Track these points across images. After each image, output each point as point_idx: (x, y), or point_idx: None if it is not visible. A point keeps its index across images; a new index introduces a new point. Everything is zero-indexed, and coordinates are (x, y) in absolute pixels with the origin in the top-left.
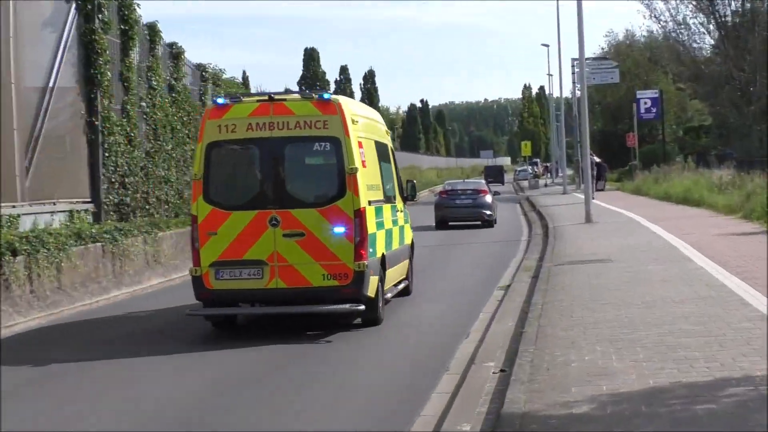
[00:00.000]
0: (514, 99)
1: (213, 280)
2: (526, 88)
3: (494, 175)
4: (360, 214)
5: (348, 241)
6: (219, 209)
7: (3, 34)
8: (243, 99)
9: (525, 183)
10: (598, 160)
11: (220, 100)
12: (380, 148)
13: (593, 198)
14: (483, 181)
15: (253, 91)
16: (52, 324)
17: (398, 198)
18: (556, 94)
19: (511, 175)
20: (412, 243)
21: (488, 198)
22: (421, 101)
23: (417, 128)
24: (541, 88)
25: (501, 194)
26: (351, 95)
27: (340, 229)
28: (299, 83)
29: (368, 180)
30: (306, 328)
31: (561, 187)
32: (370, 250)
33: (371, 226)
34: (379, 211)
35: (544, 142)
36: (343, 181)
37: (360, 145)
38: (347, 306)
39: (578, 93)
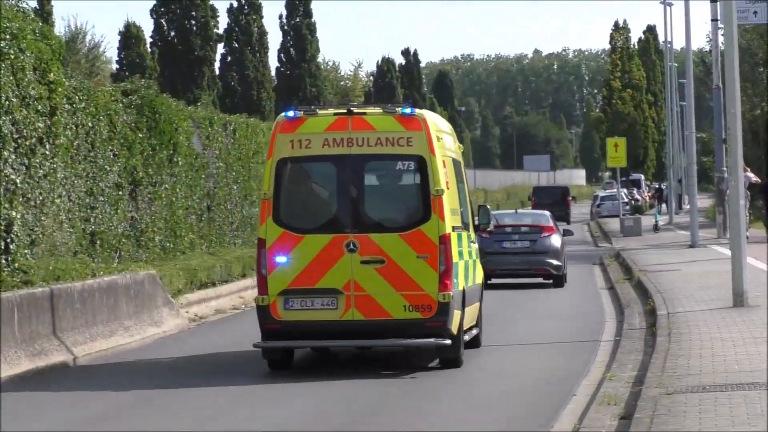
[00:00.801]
0: (591, 52)
1: (282, 310)
2: (618, 31)
3: (550, 203)
4: (445, 241)
5: (432, 270)
6: (290, 232)
7: None
8: (318, 112)
9: (612, 223)
10: (754, 178)
11: (291, 113)
12: (456, 166)
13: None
14: (547, 214)
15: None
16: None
17: (471, 226)
18: (678, 44)
19: (585, 207)
20: (483, 283)
21: (556, 239)
22: (406, 53)
23: (393, 100)
24: (650, 32)
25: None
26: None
27: (423, 256)
28: None
29: (451, 204)
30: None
31: (686, 232)
32: (454, 281)
33: (455, 254)
34: (459, 239)
35: (656, 140)
36: (427, 203)
37: (443, 164)
38: (432, 340)
39: (721, 43)
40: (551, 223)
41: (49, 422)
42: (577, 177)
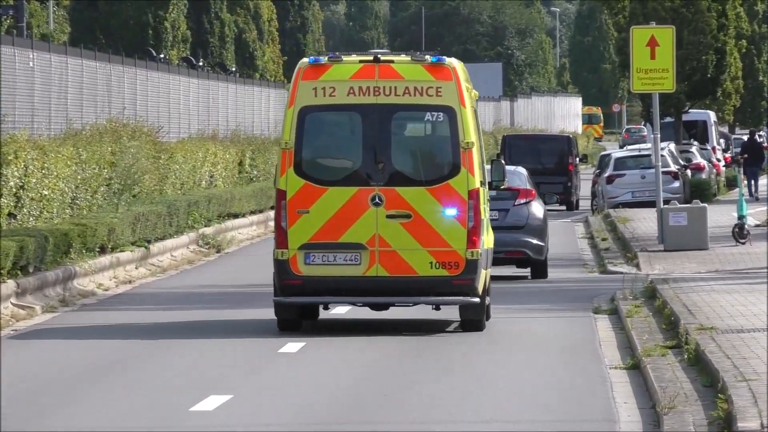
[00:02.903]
0: None
1: (302, 264)
2: None
3: (536, 167)
4: (475, 196)
5: (461, 226)
6: (313, 184)
7: None
8: (343, 59)
9: (641, 218)
10: None
11: (315, 59)
12: (477, 118)
13: None
14: (522, 171)
15: None
16: None
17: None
18: None
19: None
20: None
21: (536, 209)
22: None
23: None
24: None
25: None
26: None
27: (452, 212)
28: None
29: (479, 157)
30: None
31: None
32: (483, 238)
33: (484, 211)
34: (484, 196)
35: (742, 48)
36: (457, 157)
37: (473, 116)
38: (460, 298)
39: None
40: (528, 184)
41: None
42: (566, 114)
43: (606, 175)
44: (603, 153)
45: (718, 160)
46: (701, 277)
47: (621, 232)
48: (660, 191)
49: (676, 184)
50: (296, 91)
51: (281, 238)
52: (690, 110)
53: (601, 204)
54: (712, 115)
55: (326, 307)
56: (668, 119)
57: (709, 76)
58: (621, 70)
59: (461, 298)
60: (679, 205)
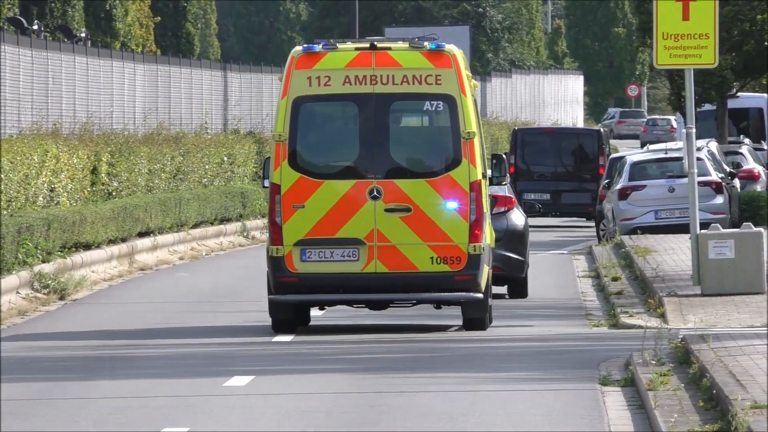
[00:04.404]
0: None
1: (298, 261)
2: None
3: (557, 168)
4: (476, 188)
5: (462, 219)
6: (308, 177)
7: None
8: (338, 46)
9: (669, 248)
10: None
11: (308, 47)
12: (476, 108)
13: None
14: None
15: None
16: None
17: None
18: None
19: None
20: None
21: (517, 218)
22: None
23: None
24: None
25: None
26: None
27: (453, 205)
28: None
29: (480, 148)
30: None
31: None
32: (486, 232)
33: (485, 204)
34: (486, 189)
35: None
36: (458, 147)
37: (473, 105)
38: (463, 294)
39: None
40: (507, 191)
41: None
42: (562, 99)
43: (618, 187)
44: (614, 156)
45: None
46: (755, 333)
47: (640, 268)
48: (696, 210)
49: (720, 199)
50: (289, 81)
51: (276, 234)
52: (739, 94)
53: (612, 228)
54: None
55: (321, 308)
56: (708, 107)
57: (767, 44)
58: (640, 35)
59: (464, 294)
60: (724, 230)
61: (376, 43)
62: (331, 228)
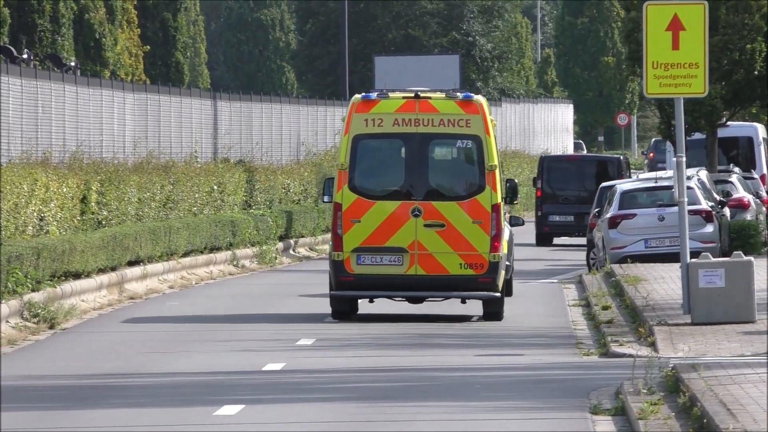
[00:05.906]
0: None
1: (354, 264)
2: None
3: (581, 193)
4: (497, 209)
5: (485, 234)
6: (364, 198)
7: None
8: (389, 95)
9: (659, 277)
10: None
11: (366, 95)
12: (497, 144)
13: None
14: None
15: None
16: None
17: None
18: None
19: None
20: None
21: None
22: None
23: None
24: None
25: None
26: None
27: (478, 222)
28: None
29: (500, 178)
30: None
31: None
32: (503, 244)
33: (503, 222)
34: (504, 210)
35: None
36: (482, 177)
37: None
38: (485, 293)
39: None
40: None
41: None
42: (552, 129)
43: (608, 215)
44: (604, 184)
45: None
46: (745, 362)
47: (630, 297)
48: (686, 239)
49: (710, 228)
50: (350, 122)
51: (337, 242)
52: (729, 123)
53: (602, 257)
54: (761, 130)
55: (371, 301)
56: (698, 135)
57: (756, 73)
58: (630, 65)
59: (485, 293)
60: (714, 259)
61: (419, 93)
62: (381, 238)
